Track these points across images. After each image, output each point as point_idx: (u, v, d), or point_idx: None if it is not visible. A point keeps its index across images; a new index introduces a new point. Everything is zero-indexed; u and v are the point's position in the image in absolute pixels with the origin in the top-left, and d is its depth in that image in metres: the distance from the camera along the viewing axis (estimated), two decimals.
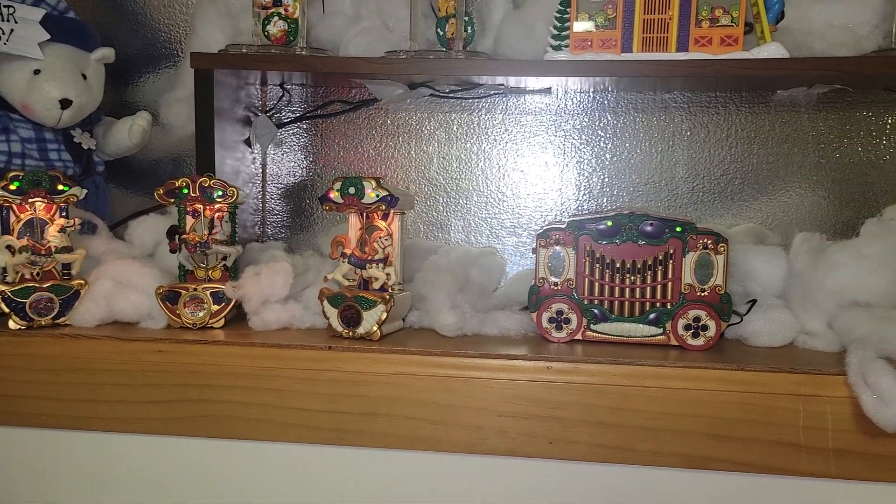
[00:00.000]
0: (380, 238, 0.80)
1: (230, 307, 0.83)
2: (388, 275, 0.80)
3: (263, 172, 1.12)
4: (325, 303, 0.80)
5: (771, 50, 0.81)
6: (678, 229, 0.78)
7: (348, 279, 0.82)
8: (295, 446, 0.76)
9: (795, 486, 0.69)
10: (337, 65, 0.89)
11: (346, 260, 0.81)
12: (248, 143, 1.06)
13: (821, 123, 1.01)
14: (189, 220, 0.84)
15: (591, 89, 1.04)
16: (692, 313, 0.77)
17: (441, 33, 0.92)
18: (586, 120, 1.05)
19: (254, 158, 1.10)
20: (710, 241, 0.77)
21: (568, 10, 0.85)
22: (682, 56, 0.82)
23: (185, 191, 0.83)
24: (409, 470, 0.75)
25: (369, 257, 0.80)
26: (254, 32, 0.93)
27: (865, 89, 0.98)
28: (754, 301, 0.83)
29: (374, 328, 0.78)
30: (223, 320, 0.83)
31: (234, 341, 0.78)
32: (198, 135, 0.93)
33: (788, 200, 1.03)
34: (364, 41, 0.94)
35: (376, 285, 0.80)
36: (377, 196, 0.79)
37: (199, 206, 0.84)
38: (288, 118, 1.10)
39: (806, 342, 0.78)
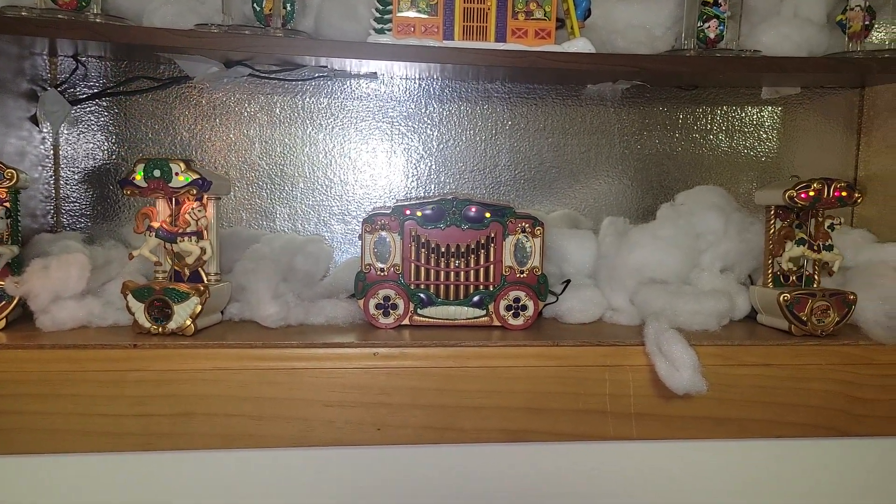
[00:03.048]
0: (192, 209, 0.74)
1: (12, 306, 0.74)
2: (203, 249, 0.74)
3: (56, 154, 0.99)
4: (130, 297, 0.73)
5: (579, 45, 0.86)
6: (498, 214, 0.80)
7: (156, 255, 0.75)
8: (98, 456, 0.69)
9: (603, 449, 0.75)
10: (138, 35, 0.81)
11: (154, 234, 0.74)
12: (34, 120, 0.94)
13: (624, 117, 1.10)
14: None
15: (417, 76, 1.04)
16: (512, 294, 0.80)
17: (258, 9, 0.87)
18: (413, 107, 1.06)
19: (43, 138, 0.97)
20: (527, 225, 0.81)
21: None
22: (500, 46, 0.85)
23: None
24: (230, 470, 0.71)
25: (180, 230, 0.74)
26: None
27: (661, 86, 1.09)
28: (568, 281, 0.88)
29: (188, 322, 0.73)
30: (4, 321, 0.74)
31: (18, 344, 0.69)
32: None
33: (598, 188, 1.11)
34: (170, 12, 0.86)
35: (190, 260, 0.74)
36: (187, 179, 0.73)
37: None
38: (84, 94, 0.99)
39: (612, 317, 0.85)
